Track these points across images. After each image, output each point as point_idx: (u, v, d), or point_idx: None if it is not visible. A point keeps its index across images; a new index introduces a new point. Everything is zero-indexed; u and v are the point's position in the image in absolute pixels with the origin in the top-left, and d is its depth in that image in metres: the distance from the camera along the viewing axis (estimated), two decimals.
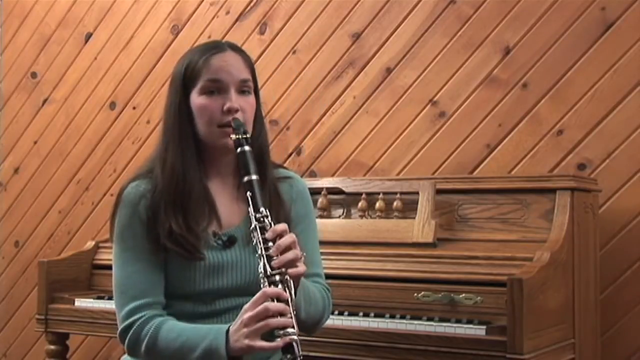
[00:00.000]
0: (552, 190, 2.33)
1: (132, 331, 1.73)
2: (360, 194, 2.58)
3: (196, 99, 1.79)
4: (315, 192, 2.48)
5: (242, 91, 1.80)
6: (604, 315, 2.54)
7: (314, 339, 2.10)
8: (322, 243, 1.97)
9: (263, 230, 1.66)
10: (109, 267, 1.83)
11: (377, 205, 2.52)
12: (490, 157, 2.83)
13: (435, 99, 2.94)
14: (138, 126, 3.62)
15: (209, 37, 3.41)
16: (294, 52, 3.24)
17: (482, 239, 2.39)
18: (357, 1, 3.11)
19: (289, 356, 1.59)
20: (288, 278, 1.64)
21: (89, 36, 3.78)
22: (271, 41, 3.29)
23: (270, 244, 1.65)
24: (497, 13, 2.83)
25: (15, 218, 3.97)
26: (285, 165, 2.90)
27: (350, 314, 2.22)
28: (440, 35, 2.93)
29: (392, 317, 2.16)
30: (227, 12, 3.40)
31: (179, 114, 1.79)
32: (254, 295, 1.62)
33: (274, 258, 1.63)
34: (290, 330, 1.59)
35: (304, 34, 3.22)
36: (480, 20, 2.86)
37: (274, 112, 3.23)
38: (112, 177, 3.68)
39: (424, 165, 2.93)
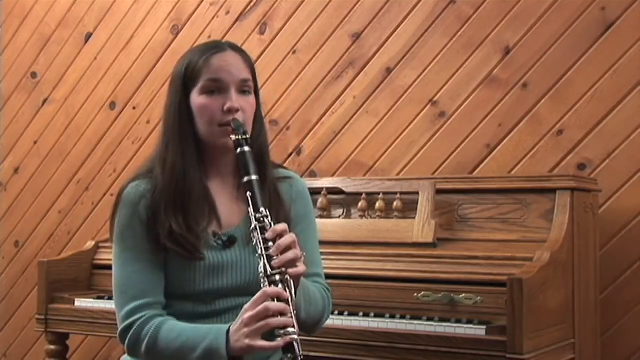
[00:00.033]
0: (552, 190, 2.33)
1: (132, 331, 1.73)
2: (360, 194, 2.58)
3: (196, 99, 1.79)
4: (315, 192, 2.48)
5: (242, 91, 1.80)
6: (604, 315, 2.54)
7: (314, 339, 2.10)
8: (322, 243, 1.97)
9: (263, 230, 1.66)
10: (109, 267, 1.83)
11: (377, 205, 2.52)
12: (490, 157, 2.83)
13: (435, 99, 2.94)
14: (138, 126, 3.62)
15: (209, 37, 3.41)
16: (294, 52, 3.24)
17: (482, 239, 2.39)
18: (357, 1, 3.11)
19: (289, 356, 1.59)
20: (288, 278, 1.64)
21: (89, 36, 3.78)
22: (271, 41, 3.29)
23: (271, 243, 1.65)
24: (497, 13, 2.83)
25: (15, 218, 3.97)
26: (285, 165, 2.90)
27: (350, 314, 2.22)
28: (440, 35, 2.93)
29: (392, 317, 2.16)
30: (227, 12, 3.40)
31: (179, 113, 1.79)
32: (254, 295, 1.63)
33: (274, 258, 1.63)
34: (290, 329, 1.59)
35: (304, 34, 3.22)
36: (480, 20, 2.86)
37: (274, 112, 3.23)
38: (112, 177, 3.68)
39: (424, 165, 2.93)
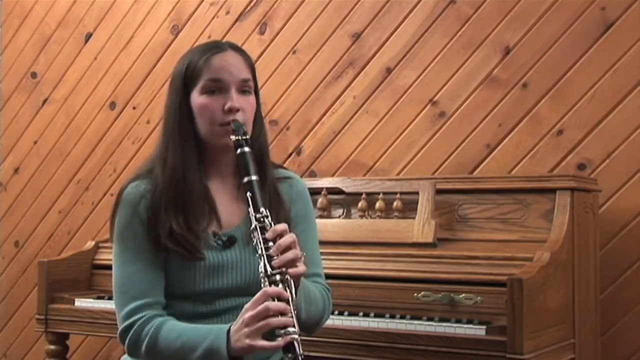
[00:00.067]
0: (552, 190, 2.33)
1: (132, 331, 1.73)
2: (360, 194, 2.58)
3: (197, 99, 1.79)
4: (315, 192, 2.49)
5: (242, 91, 1.80)
6: (604, 315, 2.54)
7: (314, 339, 2.10)
8: (322, 243, 1.97)
9: (263, 230, 1.66)
10: (109, 267, 1.83)
11: (377, 205, 2.52)
12: (490, 157, 2.83)
13: (435, 99, 2.94)
14: (138, 126, 3.62)
15: (209, 37, 3.41)
16: (294, 52, 3.24)
17: (482, 239, 2.39)
18: (357, 1, 3.11)
19: (290, 355, 1.59)
20: (288, 278, 1.64)
21: (89, 36, 3.78)
22: (271, 41, 3.29)
23: (271, 243, 1.65)
24: (497, 13, 2.83)
25: (15, 218, 3.97)
26: (285, 165, 2.91)
27: (350, 314, 2.22)
28: (440, 35, 2.93)
29: (392, 317, 2.16)
30: (227, 12, 3.40)
31: (180, 113, 1.79)
32: (254, 295, 1.63)
33: (275, 258, 1.63)
34: (291, 329, 1.59)
35: (304, 34, 3.22)
36: (480, 20, 2.87)
37: (274, 112, 3.23)
38: (112, 177, 3.68)
39: (424, 165, 2.93)
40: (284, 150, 3.21)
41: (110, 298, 2.57)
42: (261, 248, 1.65)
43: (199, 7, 3.48)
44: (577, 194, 2.33)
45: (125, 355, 1.83)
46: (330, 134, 3.14)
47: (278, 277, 1.63)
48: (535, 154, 2.75)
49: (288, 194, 1.87)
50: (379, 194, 2.55)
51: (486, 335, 2.00)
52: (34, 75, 3.94)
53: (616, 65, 2.64)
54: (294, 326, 1.60)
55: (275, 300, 1.60)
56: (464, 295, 2.14)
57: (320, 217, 2.57)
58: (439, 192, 2.45)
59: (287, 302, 1.61)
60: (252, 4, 3.34)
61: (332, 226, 2.54)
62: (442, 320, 2.10)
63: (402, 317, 2.15)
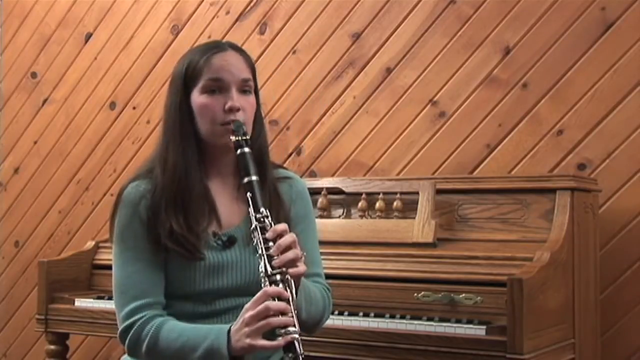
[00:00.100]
0: (552, 190, 2.33)
1: (132, 331, 1.73)
2: (360, 194, 2.58)
3: (197, 98, 1.79)
4: (315, 192, 2.49)
5: (243, 90, 1.80)
6: (604, 315, 2.54)
7: (314, 338, 2.10)
8: (322, 243, 1.97)
9: (263, 230, 1.66)
10: (109, 267, 1.83)
11: (377, 205, 2.52)
12: (490, 157, 2.83)
13: (435, 99, 2.94)
14: (138, 126, 3.62)
15: (209, 37, 3.41)
16: (294, 52, 3.24)
17: (482, 239, 2.39)
18: (357, 1, 3.11)
19: (290, 355, 1.59)
20: (289, 277, 1.64)
21: (89, 36, 3.78)
22: (271, 41, 3.29)
23: (271, 243, 1.65)
24: (497, 13, 2.84)
25: (15, 218, 3.97)
26: (285, 165, 2.91)
27: (350, 314, 2.22)
28: (440, 35, 2.93)
29: (392, 317, 2.16)
30: (227, 12, 3.40)
31: (180, 113, 1.79)
32: (254, 295, 1.63)
33: (275, 258, 1.63)
34: (291, 329, 1.59)
35: (304, 34, 3.22)
36: (480, 20, 2.87)
37: (274, 112, 3.23)
38: (112, 177, 3.68)
39: (424, 165, 2.93)
40: (284, 150, 3.21)
41: (110, 298, 2.57)
42: (261, 248, 1.65)
43: (199, 7, 3.48)
44: (577, 194, 2.33)
45: (125, 355, 1.83)
46: (330, 134, 3.14)
47: (278, 276, 1.63)
48: (535, 154, 2.75)
49: (288, 194, 1.87)
50: (379, 194, 2.55)
51: (486, 335, 2.00)
52: (34, 75, 3.94)
53: (616, 65, 2.64)
54: (294, 326, 1.60)
55: (276, 299, 1.60)
56: (464, 295, 2.14)
57: (320, 217, 2.57)
58: (439, 192, 2.45)
59: (288, 301, 1.61)
60: (252, 4, 3.34)
61: (332, 226, 2.54)
62: (442, 320, 2.10)
63: (402, 317, 2.15)
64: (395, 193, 2.51)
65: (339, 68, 3.13)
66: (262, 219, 1.67)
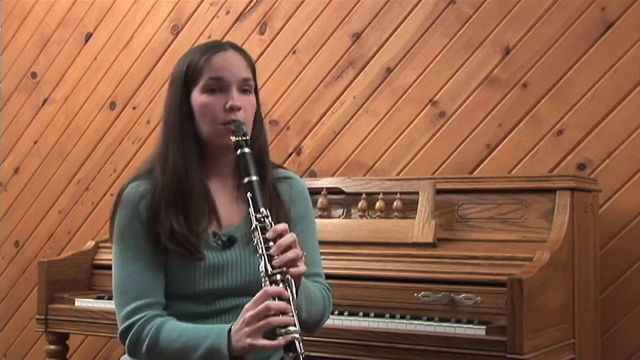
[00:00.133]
0: (552, 190, 2.33)
1: (132, 331, 1.73)
2: (360, 194, 2.58)
3: (198, 98, 1.79)
4: (315, 192, 2.49)
5: (243, 90, 1.80)
6: (604, 315, 2.54)
7: (314, 338, 2.10)
8: (322, 243, 1.97)
9: (264, 230, 1.66)
10: (109, 267, 1.83)
11: (377, 205, 2.52)
12: (490, 157, 2.83)
13: (435, 99, 2.94)
14: (138, 126, 3.62)
15: (209, 37, 3.41)
16: (294, 52, 3.24)
17: (482, 239, 2.39)
18: (357, 1, 3.11)
19: (290, 354, 1.59)
20: (289, 277, 1.64)
21: (89, 36, 3.78)
22: (271, 41, 3.29)
23: (271, 243, 1.65)
24: (497, 13, 2.84)
25: (15, 218, 3.97)
26: (285, 165, 2.92)
27: (350, 314, 2.22)
28: (440, 35, 2.93)
29: (392, 317, 2.16)
30: (227, 12, 3.40)
31: (180, 113, 1.79)
32: (254, 295, 1.63)
33: (275, 257, 1.63)
34: (291, 328, 1.59)
35: (304, 34, 3.22)
36: (480, 20, 2.87)
37: (274, 112, 3.23)
38: (112, 177, 3.68)
39: (424, 165, 2.93)
40: (284, 150, 3.21)
41: (110, 298, 2.57)
42: (262, 248, 1.65)
43: (199, 7, 3.48)
44: (577, 194, 2.33)
45: (125, 355, 1.83)
46: (330, 134, 3.14)
47: (279, 276, 1.63)
48: (535, 154, 2.75)
49: (288, 194, 1.87)
50: (379, 194, 2.55)
51: (486, 335, 2.00)
52: (34, 75, 3.94)
53: (616, 65, 2.64)
54: (294, 325, 1.60)
55: (276, 299, 1.60)
56: (464, 295, 2.14)
57: (320, 217, 2.57)
58: (439, 192, 2.45)
59: (288, 301, 1.61)
60: (252, 4, 3.34)
61: (332, 226, 2.54)
62: (442, 320, 2.10)
63: (402, 317, 2.15)
64: (395, 193, 2.51)
65: (339, 68, 3.13)
66: (262, 219, 1.67)
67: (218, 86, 1.78)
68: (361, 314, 2.21)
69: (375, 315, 2.19)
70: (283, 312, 1.59)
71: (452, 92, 2.90)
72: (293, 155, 3.21)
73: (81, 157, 3.78)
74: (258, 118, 1.85)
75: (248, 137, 1.74)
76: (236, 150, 1.73)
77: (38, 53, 3.93)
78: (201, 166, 1.80)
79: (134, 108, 3.63)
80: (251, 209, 1.68)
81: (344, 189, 2.62)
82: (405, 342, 2.09)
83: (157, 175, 1.79)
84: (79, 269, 2.92)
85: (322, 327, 1.89)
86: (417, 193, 2.46)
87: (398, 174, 2.97)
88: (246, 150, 1.73)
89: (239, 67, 1.79)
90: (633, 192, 2.60)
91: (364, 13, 3.09)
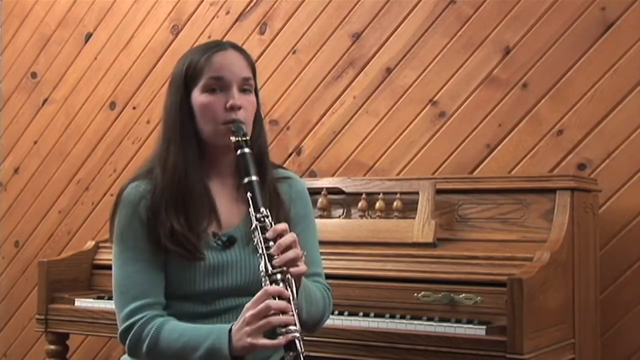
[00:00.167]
0: (552, 190, 2.33)
1: (133, 332, 1.73)
2: (360, 194, 2.58)
3: (198, 97, 1.78)
4: (315, 192, 2.49)
5: (243, 89, 1.80)
6: (604, 315, 2.54)
7: (314, 338, 2.09)
8: (322, 243, 1.97)
9: (264, 229, 1.66)
10: (109, 267, 1.83)
11: (377, 205, 2.52)
12: (490, 157, 2.83)
13: (435, 99, 2.94)
14: (138, 126, 3.62)
15: (209, 37, 3.41)
16: (294, 52, 3.24)
17: (482, 239, 2.39)
18: (357, 1, 3.11)
19: (291, 353, 1.59)
20: (289, 277, 1.64)
21: (89, 36, 3.78)
22: (271, 41, 3.29)
23: (271, 243, 1.65)
24: (497, 13, 2.84)
25: (15, 218, 3.97)
26: (285, 165, 2.92)
27: (350, 314, 2.22)
28: (440, 35, 2.93)
29: (392, 317, 2.16)
30: (227, 12, 3.40)
31: (180, 113, 1.79)
32: (254, 295, 1.63)
33: (275, 257, 1.63)
34: (292, 327, 1.59)
35: (304, 34, 3.22)
36: (480, 20, 2.87)
37: (274, 112, 3.23)
38: (112, 177, 3.68)
39: (424, 165, 2.93)
40: (284, 150, 3.21)
41: (110, 298, 2.57)
42: (262, 247, 1.65)
43: (199, 7, 3.48)
44: (577, 194, 2.33)
45: (125, 355, 1.83)
46: (330, 134, 3.14)
47: (279, 276, 1.63)
48: (535, 154, 2.75)
49: (288, 194, 1.87)
50: (379, 194, 2.55)
51: (486, 335, 2.00)
52: (34, 75, 3.94)
53: (616, 65, 2.64)
54: (295, 324, 1.60)
55: (276, 298, 1.60)
56: (464, 295, 2.14)
57: (320, 217, 2.57)
58: (439, 192, 2.45)
59: (288, 300, 1.61)
60: (252, 4, 3.34)
61: (332, 226, 2.54)
62: (442, 320, 2.10)
63: (402, 317, 2.15)
64: (395, 193, 2.51)
65: (339, 68, 3.13)
66: (262, 219, 1.67)
67: (218, 85, 1.78)
68: (361, 314, 2.21)
69: (375, 315, 2.19)
70: (283, 312, 1.59)
71: (452, 92, 2.90)
72: (293, 155, 3.21)
73: (81, 157, 3.78)
74: (258, 118, 1.85)
75: (248, 138, 1.74)
76: (236, 151, 1.73)
77: (38, 53, 3.93)
78: (201, 166, 1.80)
79: (134, 108, 3.63)
80: (251, 209, 1.68)
81: (344, 189, 2.62)
82: (405, 342, 2.09)
83: (157, 176, 1.78)
84: (79, 269, 2.92)
85: (322, 327, 1.89)
86: (417, 193, 2.46)
87: (398, 174, 2.97)
88: (246, 150, 1.73)
89: (239, 66, 1.80)
90: (633, 192, 2.60)
91: (364, 13, 3.09)
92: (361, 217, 2.57)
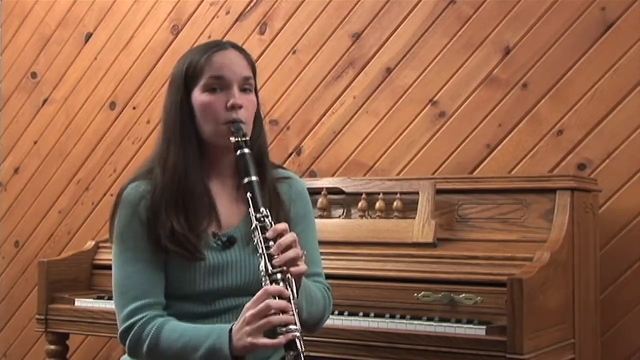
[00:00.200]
0: (552, 190, 2.33)
1: (133, 332, 1.73)
2: (360, 194, 2.58)
3: (198, 97, 1.78)
4: (315, 192, 2.49)
5: (244, 89, 1.80)
6: (604, 315, 2.54)
7: (314, 338, 2.09)
8: (322, 243, 1.97)
9: (264, 229, 1.66)
10: (109, 267, 1.83)
11: (377, 205, 2.52)
12: (490, 157, 2.83)
13: (435, 99, 2.94)
14: (138, 126, 3.62)
15: (209, 37, 3.41)
16: (294, 52, 3.24)
17: (482, 239, 2.39)
18: (357, 1, 3.11)
19: (291, 353, 1.59)
20: (289, 276, 1.64)
21: (89, 36, 3.78)
22: (271, 41, 3.29)
23: (271, 242, 1.65)
24: (497, 13, 2.84)
25: (15, 218, 3.97)
26: (285, 165, 2.92)
27: (350, 314, 2.22)
28: (440, 35, 2.93)
29: (392, 317, 2.16)
30: (227, 12, 3.40)
31: (181, 113, 1.79)
32: (253, 295, 1.63)
33: (275, 257, 1.63)
34: (292, 327, 1.59)
35: (304, 34, 3.22)
36: (480, 20, 2.87)
37: (274, 112, 3.23)
38: (112, 177, 3.68)
39: (424, 165, 2.93)
40: (284, 150, 3.21)
41: (110, 298, 2.57)
42: (262, 247, 1.65)
43: (199, 7, 3.48)
44: (577, 194, 2.33)
45: (125, 355, 1.83)
46: (330, 134, 3.14)
47: (279, 275, 1.63)
48: (535, 154, 2.75)
49: (287, 194, 1.87)
50: (379, 194, 2.55)
51: (486, 335, 2.00)
52: (34, 75, 3.94)
53: (616, 65, 2.64)
54: (295, 324, 1.60)
55: (277, 298, 1.60)
56: (464, 295, 2.14)
57: (320, 217, 2.57)
58: (439, 192, 2.45)
59: (288, 300, 1.61)
60: (252, 4, 3.34)
61: (332, 226, 2.54)
62: (442, 320, 2.10)
63: (402, 317, 2.15)
64: (395, 193, 2.51)
65: (339, 68, 3.13)
66: (262, 219, 1.67)
67: (219, 85, 1.77)
68: (361, 314, 2.21)
69: (375, 315, 2.19)
70: (283, 311, 1.59)
71: (452, 92, 2.90)
72: (293, 155, 3.21)
73: (81, 157, 3.78)
74: (258, 118, 1.85)
75: (247, 138, 1.74)
76: (236, 151, 1.73)
77: (38, 53, 3.93)
78: (201, 166, 1.80)
79: (134, 108, 3.63)
80: (251, 209, 1.68)
81: (344, 189, 2.62)
82: (405, 342, 2.09)
83: (157, 176, 1.78)
84: (79, 269, 2.92)
85: (322, 327, 1.89)
86: (417, 193, 2.46)
87: (398, 174, 2.97)
88: (245, 150, 1.73)
89: (239, 65, 1.79)
90: (633, 192, 2.60)
91: (364, 13, 3.09)
92: (361, 217, 2.57)
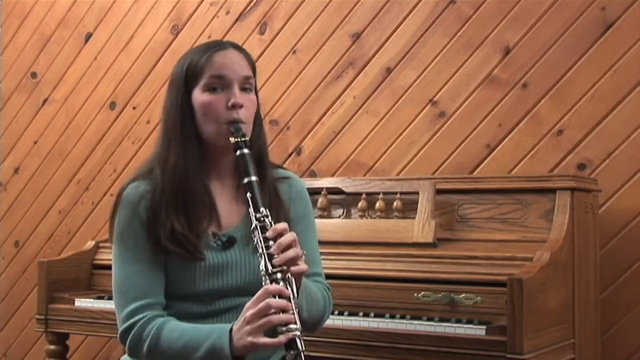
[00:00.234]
0: (552, 190, 2.33)
1: (133, 332, 1.73)
2: (360, 194, 2.58)
3: (199, 97, 1.78)
4: (315, 192, 2.49)
5: (244, 88, 1.79)
6: (604, 315, 2.54)
7: (314, 338, 2.09)
8: (322, 243, 1.97)
9: (264, 229, 1.67)
10: (109, 267, 1.83)
11: (377, 205, 2.52)
12: (490, 157, 2.83)
13: (435, 99, 2.94)
14: (138, 126, 3.62)
15: (209, 37, 3.41)
16: (294, 52, 3.24)
17: (482, 239, 2.39)
18: (357, 1, 3.11)
19: (291, 352, 1.59)
20: (289, 276, 1.64)
21: (89, 36, 3.78)
22: (271, 41, 3.29)
23: (271, 242, 1.65)
24: (497, 13, 2.84)
25: (15, 218, 3.97)
26: (285, 165, 2.92)
27: (350, 314, 2.22)
28: (440, 35, 2.93)
29: (392, 317, 2.16)
30: (227, 12, 3.40)
31: (181, 113, 1.79)
32: (254, 295, 1.63)
33: (275, 256, 1.63)
34: (292, 326, 1.59)
35: (304, 34, 3.22)
36: (480, 20, 2.87)
37: (274, 112, 3.23)
38: (112, 177, 3.68)
39: (424, 165, 2.93)
40: (284, 150, 3.21)
41: (110, 298, 2.57)
42: (262, 247, 1.65)
43: (199, 7, 3.48)
44: (577, 194, 2.33)
45: (125, 355, 1.83)
46: (330, 134, 3.14)
47: (279, 275, 1.63)
48: (535, 154, 2.75)
49: (287, 194, 1.87)
50: (379, 194, 2.55)
51: (486, 335, 2.00)
52: (34, 75, 3.94)
53: (616, 65, 2.64)
54: (295, 323, 1.60)
55: (277, 297, 1.60)
56: (464, 295, 2.14)
57: (320, 217, 2.57)
58: (439, 192, 2.45)
59: (288, 299, 1.61)
60: (252, 4, 3.34)
61: (332, 226, 2.54)
62: (442, 320, 2.10)
63: (402, 317, 2.15)
64: (395, 193, 2.51)
65: (339, 68, 3.13)
66: (262, 219, 1.68)
67: (220, 84, 1.77)
68: (361, 314, 2.21)
69: (375, 315, 2.19)
70: (284, 310, 1.59)
71: (452, 92, 2.90)
72: (293, 155, 3.21)
73: (81, 157, 3.78)
74: (257, 119, 1.85)
75: (247, 138, 1.75)
76: (235, 151, 1.73)
77: (38, 53, 3.93)
78: (201, 166, 1.80)
79: (134, 108, 3.63)
80: (251, 209, 1.69)
81: (344, 189, 2.62)
82: (405, 342, 2.09)
83: (157, 176, 1.78)
84: (79, 269, 2.92)
85: (322, 327, 1.89)
86: (417, 193, 2.46)
87: (398, 174, 2.97)
88: (245, 151, 1.72)
89: (240, 65, 1.79)
90: (633, 192, 2.60)
91: (364, 13, 3.09)
92: (361, 217, 2.57)
